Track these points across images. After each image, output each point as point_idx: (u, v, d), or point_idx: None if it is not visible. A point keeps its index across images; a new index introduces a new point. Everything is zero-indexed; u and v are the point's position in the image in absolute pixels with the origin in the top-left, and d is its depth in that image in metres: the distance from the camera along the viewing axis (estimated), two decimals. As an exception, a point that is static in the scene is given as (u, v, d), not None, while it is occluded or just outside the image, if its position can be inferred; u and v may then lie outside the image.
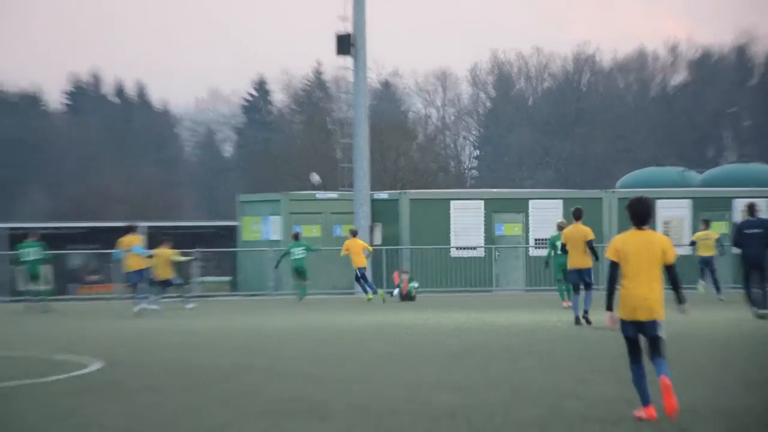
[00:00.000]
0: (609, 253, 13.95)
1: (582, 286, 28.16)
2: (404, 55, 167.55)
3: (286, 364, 20.19)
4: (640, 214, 13.93)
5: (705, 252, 41.51)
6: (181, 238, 47.92)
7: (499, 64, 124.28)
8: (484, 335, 26.06)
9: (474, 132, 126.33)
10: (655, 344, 13.60)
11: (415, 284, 44.70)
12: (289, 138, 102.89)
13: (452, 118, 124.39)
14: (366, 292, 42.47)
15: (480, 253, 51.60)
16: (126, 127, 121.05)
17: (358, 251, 42.44)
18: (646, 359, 13.60)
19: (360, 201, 51.87)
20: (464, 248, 51.62)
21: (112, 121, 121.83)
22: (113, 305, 42.97)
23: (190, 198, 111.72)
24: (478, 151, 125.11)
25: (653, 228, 14.63)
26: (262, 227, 52.41)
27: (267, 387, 16.95)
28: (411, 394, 15.86)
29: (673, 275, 13.81)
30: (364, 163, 52.23)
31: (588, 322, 27.56)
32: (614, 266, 13.84)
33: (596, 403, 14.22)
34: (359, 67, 52.64)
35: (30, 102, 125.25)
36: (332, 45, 52.68)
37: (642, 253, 13.74)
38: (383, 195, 53.91)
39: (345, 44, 52.39)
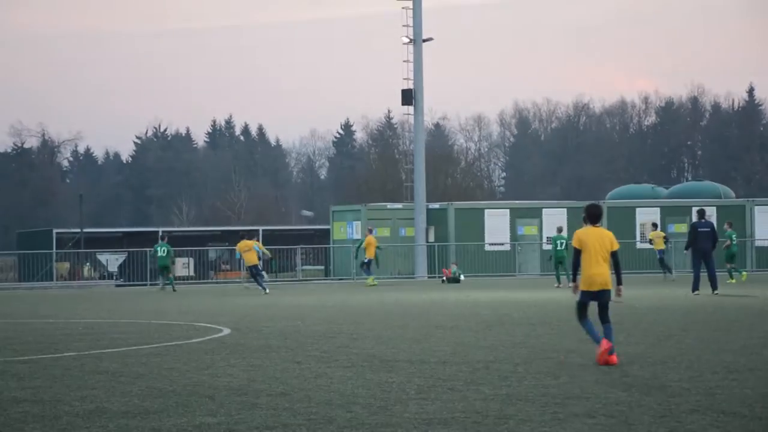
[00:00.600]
0: (574, 243, 13.99)
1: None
2: (451, 103, 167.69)
3: (364, 329, 19.96)
4: (594, 214, 14.14)
5: (659, 246, 42.70)
6: (289, 238, 47.92)
7: (519, 110, 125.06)
8: (509, 308, 25.74)
9: (501, 159, 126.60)
10: (604, 309, 13.89)
11: (458, 270, 44.73)
12: (366, 165, 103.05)
13: (485, 149, 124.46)
14: (368, 276, 42.36)
15: (507, 247, 51.42)
16: (250, 157, 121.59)
17: (372, 245, 42.03)
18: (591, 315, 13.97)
19: (418, 210, 52.18)
20: (495, 244, 51.46)
21: (240, 153, 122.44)
22: (238, 287, 42.96)
23: (296, 209, 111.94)
24: (504, 173, 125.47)
25: (604, 226, 14.65)
26: (348, 229, 52.52)
27: (351, 346, 16.72)
28: (456, 351, 15.59)
29: (615, 260, 13.98)
30: (422, 183, 52.57)
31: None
32: (578, 252, 13.92)
33: (591, 356, 13.91)
34: (418, 113, 52.97)
35: (182, 140, 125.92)
36: (399, 97, 53.36)
37: (597, 242, 13.87)
38: (436, 205, 53.89)
39: (408, 97, 52.80)
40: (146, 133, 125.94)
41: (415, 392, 11.59)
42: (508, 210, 52.61)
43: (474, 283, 42.81)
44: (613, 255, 13.92)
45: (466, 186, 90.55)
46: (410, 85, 52.73)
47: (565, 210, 51.71)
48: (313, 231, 59.59)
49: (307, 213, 51.20)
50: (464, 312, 24.83)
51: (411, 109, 53.05)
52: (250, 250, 37.86)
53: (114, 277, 51.38)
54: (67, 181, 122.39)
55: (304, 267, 51.92)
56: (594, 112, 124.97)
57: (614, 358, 13.52)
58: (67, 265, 53.47)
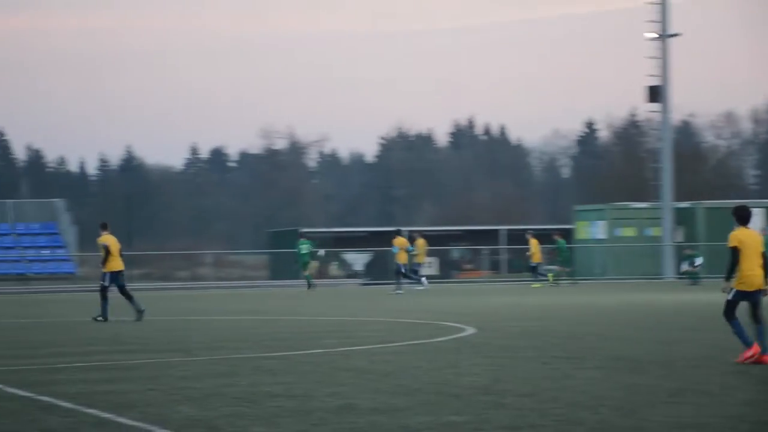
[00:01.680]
0: (734, 243, 14.13)
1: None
2: (698, 99, 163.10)
3: (611, 330, 19.66)
4: (745, 216, 14.41)
5: None
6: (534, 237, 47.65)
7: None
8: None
9: (754, 157, 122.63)
10: (758, 308, 14.12)
11: (699, 260, 43.23)
12: (610, 163, 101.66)
13: (737, 146, 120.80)
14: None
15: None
16: (491, 157, 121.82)
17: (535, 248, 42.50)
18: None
19: (665, 209, 51.11)
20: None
21: (481, 152, 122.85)
22: (482, 287, 43.03)
23: (537, 208, 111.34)
24: (758, 171, 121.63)
25: None
26: (592, 229, 51.89)
27: (597, 347, 16.49)
28: (707, 354, 15.15)
29: (765, 260, 14.20)
30: (668, 181, 51.50)
31: None
32: (737, 252, 14.08)
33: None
34: (665, 111, 51.96)
35: (425, 140, 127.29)
36: (643, 95, 52.31)
37: (753, 243, 14.20)
38: (684, 204, 52.55)
39: (654, 94, 51.79)
40: (389, 134, 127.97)
41: (666, 395, 11.34)
42: (763, 209, 50.74)
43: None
44: (763, 255, 14.26)
45: (715, 184, 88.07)
46: (656, 81, 51.69)
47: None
48: (556, 230, 59.08)
49: (320, 252, 48.60)
50: (714, 313, 24.11)
51: (657, 105, 52.05)
52: (402, 250, 38.45)
53: (360, 276, 52.37)
54: (314, 181, 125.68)
55: (549, 267, 51.54)
56: None
57: (766, 358, 13.86)
58: (315, 263, 54.87)
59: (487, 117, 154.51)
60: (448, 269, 52.65)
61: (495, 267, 53.71)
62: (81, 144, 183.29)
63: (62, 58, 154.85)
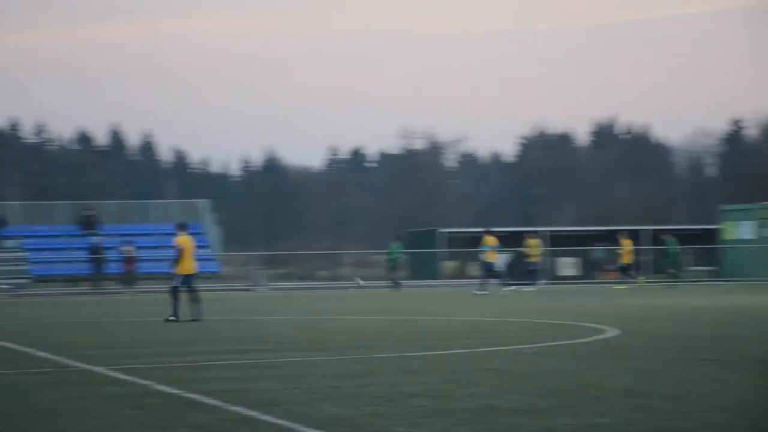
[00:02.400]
0: None
1: None
2: None
3: (759, 333, 19.21)
4: None
5: None
6: (679, 238, 46.87)
7: None
8: None
9: None
10: None
11: None
12: (758, 162, 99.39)
13: None
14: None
15: None
16: (631, 154, 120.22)
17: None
18: None
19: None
20: None
21: (623, 151, 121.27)
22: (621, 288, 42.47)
23: (680, 208, 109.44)
24: None
25: None
26: (739, 229, 50.92)
27: (745, 350, 16.13)
28: None
29: None
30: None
31: None
32: None
33: None
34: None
35: (564, 139, 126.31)
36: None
37: None
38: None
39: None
40: (529, 133, 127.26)
41: (818, 401, 11.04)
42: None
43: None
44: None
45: None
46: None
47: None
48: (700, 231, 57.96)
49: (359, 282, 48.45)
50: None
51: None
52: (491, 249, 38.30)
53: (501, 276, 52.17)
54: (452, 181, 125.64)
55: (693, 268, 50.65)
56: None
57: None
58: (453, 264, 54.86)
59: (629, 115, 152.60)
60: (589, 270, 52.14)
61: (637, 268, 52.98)
62: (224, 145, 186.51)
63: (206, 60, 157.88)
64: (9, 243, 49.85)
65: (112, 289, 46.75)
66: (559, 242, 52.72)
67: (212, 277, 51.04)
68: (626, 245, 43.13)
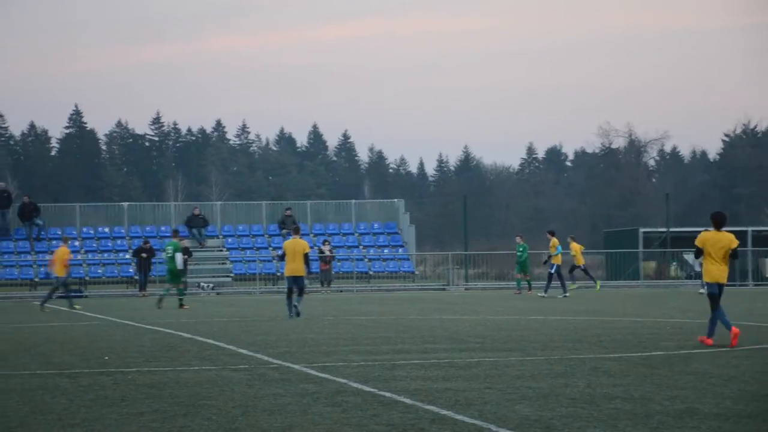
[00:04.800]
0: (697, 242, 17.45)
1: None
2: None
3: None
4: (720, 221, 17.33)
5: None
6: None
7: None
8: None
9: None
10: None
11: None
12: None
13: None
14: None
15: None
16: None
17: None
18: None
19: None
20: None
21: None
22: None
23: None
24: None
25: None
26: None
27: None
28: None
29: (734, 256, 17.29)
30: None
31: None
32: (700, 251, 17.42)
33: None
34: None
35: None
36: None
37: (719, 243, 17.21)
38: None
39: None
40: (734, 130, 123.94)
41: None
42: None
43: None
44: (732, 253, 17.21)
45: None
46: None
47: None
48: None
49: None
50: None
51: None
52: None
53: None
54: (653, 180, 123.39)
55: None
56: None
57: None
58: (653, 264, 53.87)
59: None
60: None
61: None
62: (420, 145, 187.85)
63: (403, 60, 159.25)
64: (213, 242, 51.34)
65: (309, 288, 47.54)
66: (762, 242, 51.14)
67: (407, 276, 51.42)
68: None
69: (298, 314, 26.01)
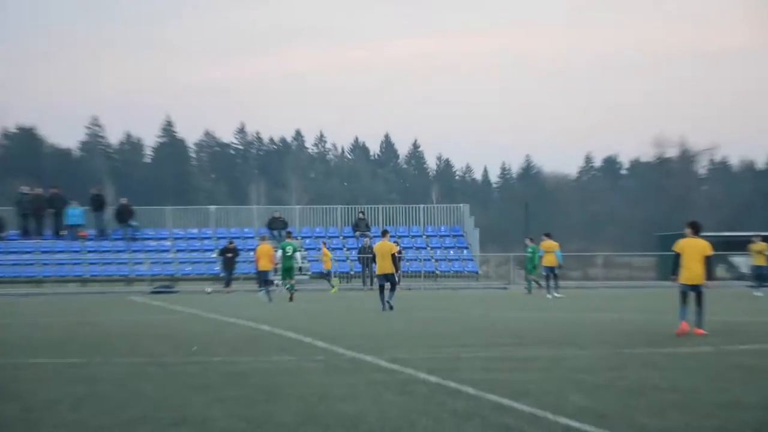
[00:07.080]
0: (675, 248, 18.54)
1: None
2: None
3: None
4: (697, 228, 18.68)
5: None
6: None
7: None
8: None
9: None
10: (700, 298, 18.39)
11: None
12: None
13: None
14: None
15: None
16: None
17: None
18: None
19: None
20: None
21: None
22: None
23: None
24: None
25: None
26: None
27: None
28: None
29: (707, 263, 18.43)
30: None
31: None
32: (678, 255, 18.49)
33: None
34: None
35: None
36: None
37: (694, 249, 18.38)
38: None
39: None
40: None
41: None
42: None
43: None
44: (707, 259, 18.37)
45: None
46: None
47: None
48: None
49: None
50: None
51: None
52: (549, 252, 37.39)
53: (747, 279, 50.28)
54: (704, 188, 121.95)
55: None
56: None
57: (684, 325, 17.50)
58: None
59: None
60: None
61: None
62: (485, 154, 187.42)
63: (470, 75, 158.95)
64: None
65: (375, 287, 47.57)
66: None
67: (471, 276, 51.33)
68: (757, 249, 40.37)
69: (391, 308, 26.28)
